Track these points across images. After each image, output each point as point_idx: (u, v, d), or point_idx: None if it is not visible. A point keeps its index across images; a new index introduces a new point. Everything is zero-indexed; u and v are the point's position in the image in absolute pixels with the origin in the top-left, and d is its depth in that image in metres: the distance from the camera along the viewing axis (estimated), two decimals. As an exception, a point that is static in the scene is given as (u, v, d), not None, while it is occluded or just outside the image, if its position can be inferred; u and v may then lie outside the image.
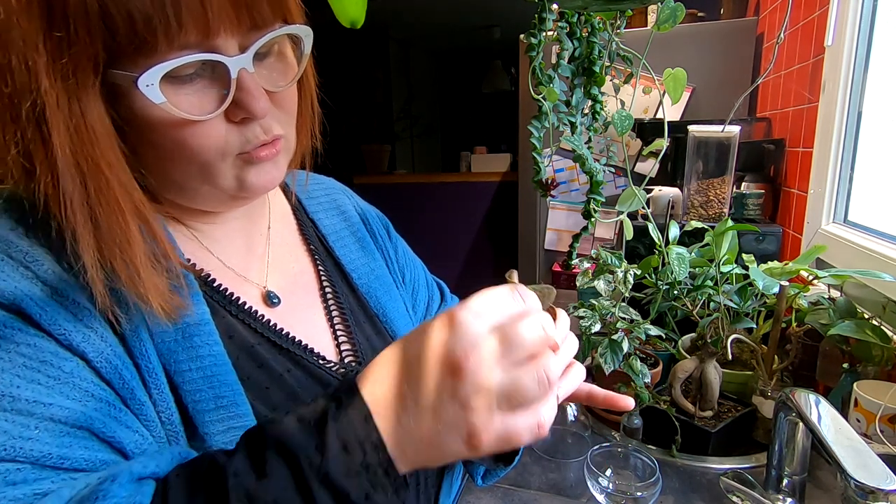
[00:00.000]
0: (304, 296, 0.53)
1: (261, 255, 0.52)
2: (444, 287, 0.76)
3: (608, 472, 0.76)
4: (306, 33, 0.42)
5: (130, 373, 0.37)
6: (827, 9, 1.19)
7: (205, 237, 0.48)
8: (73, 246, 0.36)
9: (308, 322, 0.52)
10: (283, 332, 0.48)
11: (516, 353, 0.31)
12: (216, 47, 0.37)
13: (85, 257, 0.36)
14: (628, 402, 0.51)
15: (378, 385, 0.32)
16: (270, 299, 0.50)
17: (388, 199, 3.47)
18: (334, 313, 0.54)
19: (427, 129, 5.23)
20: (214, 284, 0.46)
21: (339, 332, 0.53)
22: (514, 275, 0.47)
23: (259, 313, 0.47)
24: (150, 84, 0.35)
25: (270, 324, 0.47)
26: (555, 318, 0.45)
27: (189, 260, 0.45)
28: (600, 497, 0.73)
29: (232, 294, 0.46)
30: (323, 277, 0.56)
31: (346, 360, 0.52)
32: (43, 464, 0.32)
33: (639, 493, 0.71)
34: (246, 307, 0.46)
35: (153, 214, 0.40)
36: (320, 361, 0.49)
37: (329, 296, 0.55)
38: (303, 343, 0.49)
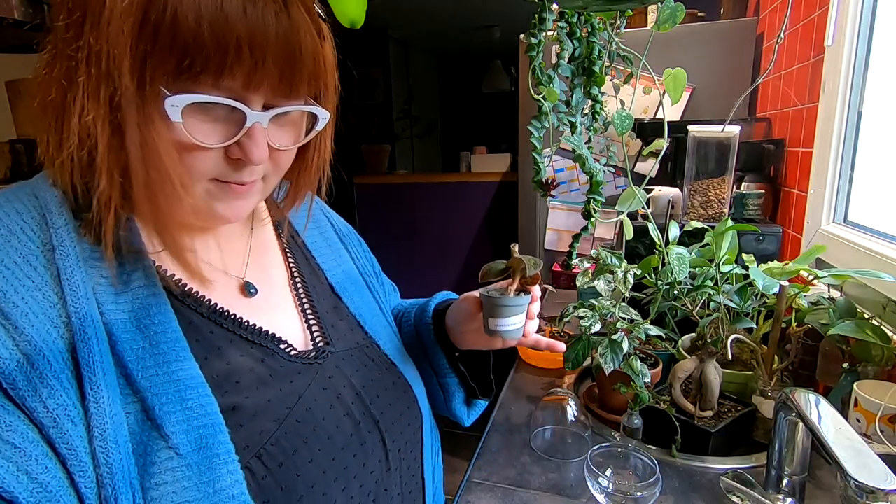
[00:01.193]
0: (277, 286, 0.59)
1: (241, 251, 0.57)
2: (395, 286, 0.85)
3: (608, 472, 0.76)
4: (324, 116, 0.49)
5: (72, 412, 0.38)
6: (827, 9, 1.19)
7: (186, 233, 0.51)
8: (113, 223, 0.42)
9: (280, 309, 0.57)
10: (255, 327, 0.51)
11: None
12: (245, 98, 0.42)
13: (153, 228, 0.45)
14: (561, 346, 0.71)
15: None
16: (248, 289, 0.54)
17: (388, 199, 3.46)
18: (304, 301, 0.59)
19: (427, 129, 5.23)
20: (186, 288, 0.49)
21: (309, 317, 0.58)
22: (516, 247, 0.66)
23: (230, 312, 0.50)
24: (175, 105, 0.39)
25: (242, 321, 0.51)
26: (537, 282, 0.64)
27: (167, 270, 0.48)
28: (600, 497, 0.73)
29: (203, 296, 0.49)
30: (293, 269, 0.61)
31: (317, 342, 0.57)
32: None
33: (639, 493, 0.71)
34: (217, 308, 0.50)
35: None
36: (291, 353, 0.53)
37: (299, 285, 0.60)
38: (274, 335, 0.52)
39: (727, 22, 1.89)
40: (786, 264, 0.98)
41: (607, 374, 0.92)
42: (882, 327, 0.83)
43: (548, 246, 2.21)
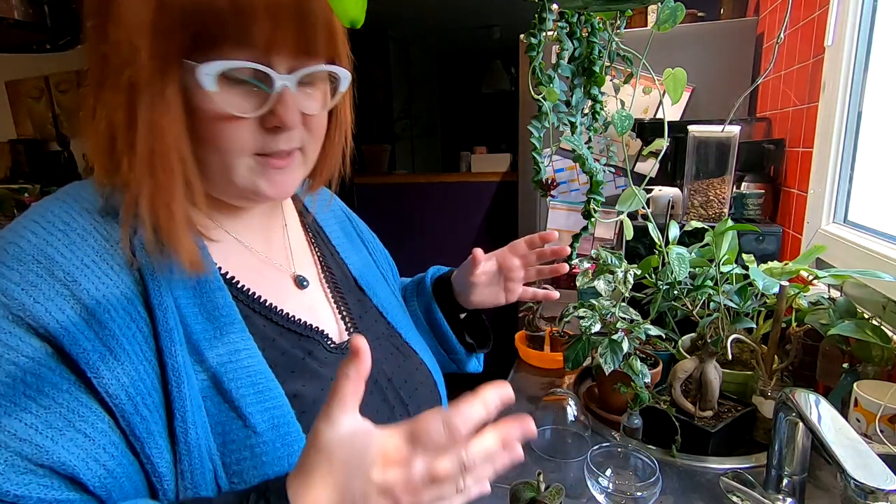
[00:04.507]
0: (312, 279, 0.61)
1: (282, 246, 0.60)
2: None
3: (608, 472, 0.76)
4: (345, 76, 0.50)
5: (150, 399, 0.41)
6: (827, 9, 1.19)
7: (230, 229, 0.54)
8: (133, 205, 0.44)
9: (317, 302, 0.59)
10: (300, 321, 0.54)
11: (440, 480, 0.37)
12: (271, 63, 0.45)
13: (142, 212, 0.44)
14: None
15: None
16: (301, 283, 0.58)
17: (388, 199, 3.46)
18: (334, 293, 0.62)
19: (427, 129, 5.22)
20: (239, 286, 0.52)
21: (340, 309, 0.61)
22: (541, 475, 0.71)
23: (276, 307, 0.53)
24: (208, 74, 0.42)
25: (289, 315, 0.54)
26: None
27: (221, 267, 0.51)
28: (600, 497, 0.73)
29: (254, 293, 0.52)
30: (321, 262, 0.64)
31: (351, 333, 0.60)
32: (2, 500, 0.36)
33: (639, 493, 0.71)
34: (266, 304, 0.52)
35: (196, 179, 0.46)
36: (331, 345, 0.56)
37: (328, 278, 0.63)
38: (317, 328, 0.55)
39: (727, 22, 1.89)
40: (786, 264, 0.98)
41: (607, 374, 0.92)
42: (882, 327, 0.83)
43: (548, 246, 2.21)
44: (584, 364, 0.97)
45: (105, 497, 0.40)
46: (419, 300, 0.80)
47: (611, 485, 0.73)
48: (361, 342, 0.40)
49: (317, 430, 0.39)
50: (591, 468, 0.73)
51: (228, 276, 0.51)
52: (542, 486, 0.73)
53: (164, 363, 0.42)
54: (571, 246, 0.83)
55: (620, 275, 0.96)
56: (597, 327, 0.93)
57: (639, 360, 0.90)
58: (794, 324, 0.97)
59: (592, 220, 0.76)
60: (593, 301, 0.97)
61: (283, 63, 0.45)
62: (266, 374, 0.47)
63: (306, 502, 0.37)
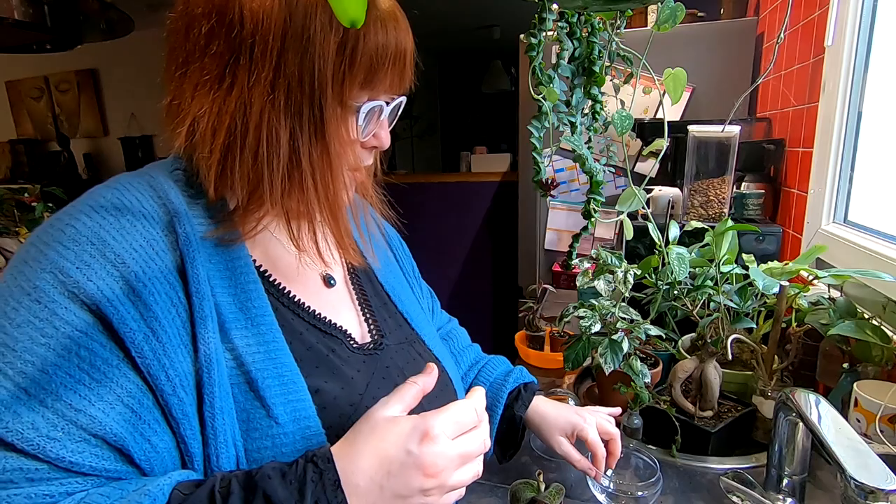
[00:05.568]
0: (339, 281, 0.63)
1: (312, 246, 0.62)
2: (432, 291, 0.91)
3: (608, 472, 0.76)
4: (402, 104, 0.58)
5: (186, 382, 0.44)
6: (827, 9, 1.19)
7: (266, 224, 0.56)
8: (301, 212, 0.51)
9: (342, 303, 0.61)
10: (326, 319, 0.56)
11: (467, 460, 0.45)
12: (382, 98, 0.53)
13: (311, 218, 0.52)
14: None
15: (359, 476, 0.42)
16: (329, 281, 0.60)
17: (388, 199, 3.45)
18: (359, 296, 0.64)
19: (427, 129, 5.22)
20: (271, 279, 0.54)
21: (364, 312, 0.63)
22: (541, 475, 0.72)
23: (306, 303, 0.56)
24: (363, 112, 0.51)
25: (316, 313, 0.56)
26: None
27: (255, 260, 0.54)
28: (601, 497, 0.73)
29: (284, 288, 0.55)
30: (348, 266, 0.66)
31: (374, 335, 0.61)
32: (56, 465, 0.38)
33: (639, 493, 0.71)
34: (296, 299, 0.55)
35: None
36: (354, 345, 0.57)
37: (353, 281, 0.65)
38: (342, 327, 0.57)
39: (727, 22, 1.89)
40: (786, 264, 0.98)
41: (607, 374, 0.92)
42: (882, 327, 0.83)
43: (548, 246, 2.21)
44: (584, 364, 0.97)
45: (148, 470, 0.42)
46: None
47: (611, 485, 0.73)
48: (434, 366, 0.50)
49: (370, 410, 0.45)
50: (592, 468, 0.73)
51: (262, 270, 0.54)
52: (542, 486, 0.73)
53: (197, 349, 0.44)
54: (571, 246, 0.83)
55: (620, 275, 0.96)
56: (597, 327, 0.93)
57: (639, 360, 0.90)
58: (794, 324, 0.97)
59: (592, 220, 0.76)
60: (593, 301, 0.97)
61: (387, 97, 0.53)
62: (292, 366, 0.49)
63: (349, 464, 0.42)
